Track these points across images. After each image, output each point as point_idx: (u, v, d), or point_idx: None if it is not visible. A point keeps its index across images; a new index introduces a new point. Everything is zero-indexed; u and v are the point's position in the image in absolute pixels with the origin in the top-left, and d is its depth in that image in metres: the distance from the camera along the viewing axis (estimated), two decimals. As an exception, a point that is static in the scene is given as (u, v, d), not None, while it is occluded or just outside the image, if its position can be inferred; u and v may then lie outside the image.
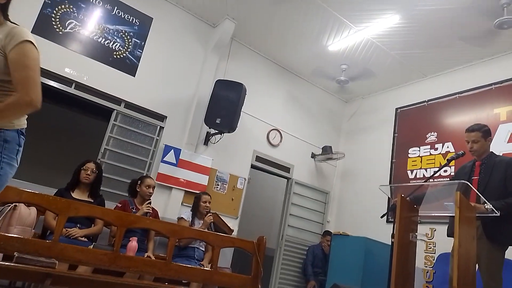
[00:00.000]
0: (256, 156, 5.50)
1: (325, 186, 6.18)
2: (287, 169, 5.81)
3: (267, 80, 5.80)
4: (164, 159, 4.58)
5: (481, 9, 4.04)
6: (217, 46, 5.13)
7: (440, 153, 4.92)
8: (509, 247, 2.67)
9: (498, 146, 4.17)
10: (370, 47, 5.09)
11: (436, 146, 5.00)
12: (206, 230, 3.39)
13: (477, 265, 2.47)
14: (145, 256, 3.00)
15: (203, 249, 3.47)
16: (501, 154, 3.73)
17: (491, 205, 2.37)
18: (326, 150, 5.96)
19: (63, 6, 4.18)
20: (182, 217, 3.59)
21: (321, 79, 6.15)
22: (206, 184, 4.82)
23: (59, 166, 5.51)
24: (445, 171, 4.58)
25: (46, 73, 4.03)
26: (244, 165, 5.35)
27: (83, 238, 2.94)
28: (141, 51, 4.67)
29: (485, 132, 2.86)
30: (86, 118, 5.63)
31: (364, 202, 5.60)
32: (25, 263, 2.03)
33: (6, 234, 2.33)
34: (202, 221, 3.55)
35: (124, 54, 4.54)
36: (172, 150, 4.66)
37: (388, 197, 4.30)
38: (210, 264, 3.15)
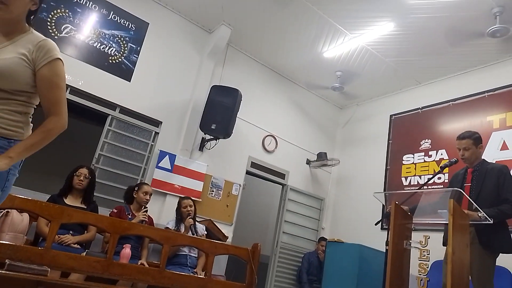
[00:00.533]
0: (251, 162, 5.50)
1: (320, 193, 6.18)
2: (282, 176, 5.81)
3: (263, 86, 5.82)
4: (159, 164, 4.56)
5: (474, 18, 4.09)
6: (213, 52, 5.15)
7: (434, 160, 4.95)
8: (500, 254, 2.68)
9: (491, 154, 4.20)
10: (365, 54, 5.13)
11: (430, 153, 5.04)
12: (196, 236, 3.37)
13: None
14: (139, 263, 2.98)
15: (196, 256, 3.45)
16: (494, 162, 3.77)
17: (484, 213, 2.38)
18: (321, 156, 5.97)
19: (58, 11, 4.17)
20: (167, 227, 3.57)
21: (316, 85, 6.18)
22: (201, 190, 4.80)
23: (52, 171, 5.47)
24: (439, 178, 4.60)
25: (40, 78, 4.01)
26: (239, 171, 5.35)
27: (75, 245, 2.91)
28: (137, 56, 4.67)
29: (476, 139, 2.88)
30: (80, 123, 5.59)
31: (359, 209, 5.61)
32: (16, 271, 2.01)
33: (-3, 241, 2.30)
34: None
35: (120, 59, 4.54)
36: (167, 155, 4.64)
37: (383, 204, 4.31)
38: (204, 272, 3.13)
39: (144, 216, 3.26)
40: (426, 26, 4.39)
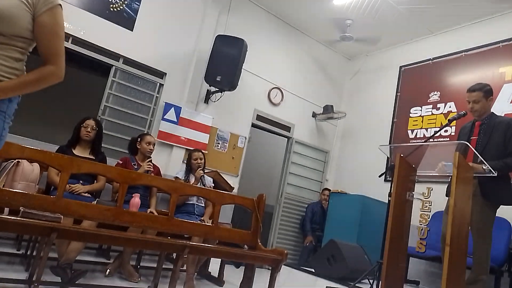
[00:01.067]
0: (257, 115, 5.48)
1: (325, 145, 6.21)
2: (287, 128, 5.80)
3: (269, 36, 5.64)
4: (164, 117, 4.57)
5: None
6: (217, -1, 4.94)
7: (442, 113, 4.89)
8: (501, 206, 2.73)
9: (501, 106, 4.13)
10: (377, 1, 4.88)
11: (438, 105, 4.96)
12: (202, 186, 3.45)
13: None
14: (148, 211, 3.08)
15: (203, 205, 3.56)
16: (503, 115, 3.72)
17: (488, 166, 2.39)
18: (327, 109, 5.92)
19: (54, -45, 3.96)
20: (177, 177, 3.65)
21: (325, 35, 5.97)
22: (207, 143, 4.84)
23: (59, 122, 5.51)
24: (446, 131, 4.57)
25: (41, 27, 3.92)
26: (245, 124, 5.35)
27: (86, 194, 3.01)
28: (138, 4, 4.50)
29: (486, 92, 2.82)
30: (84, 74, 5.54)
31: (363, 162, 5.65)
32: (31, 218, 2.09)
33: (11, 190, 2.37)
34: (196, 177, 3.61)
35: (121, 7, 4.38)
36: (173, 108, 4.63)
37: (387, 157, 4.34)
38: (211, 220, 3.24)
39: (149, 166, 3.32)
40: (443, -30, 4.13)
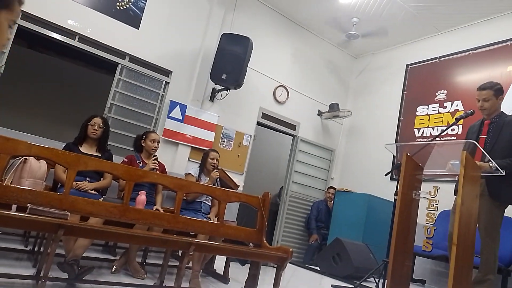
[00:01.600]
0: (262, 113, 5.47)
1: (331, 144, 6.19)
2: (293, 127, 5.80)
3: (274, 34, 5.63)
4: (170, 114, 4.58)
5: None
6: (222, -3, 4.93)
7: (448, 112, 4.85)
8: (509, 206, 2.70)
9: (510, 105, 4.09)
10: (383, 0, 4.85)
11: (445, 104, 4.92)
12: (210, 185, 3.46)
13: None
14: (154, 209, 3.09)
15: (209, 204, 3.56)
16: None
17: (496, 164, 2.37)
18: (333, 107, 5.90)
19: (61, -47, 3.98)
20: (189, 173, 3.65)
21: (331, 33, 5.95)
22: (213, 141, 4.85)
23: (66, 120, 5.56)
24: (453, 130, 4.54)
25: (49, 25, 3.95)
26: (250, 122, 5.35)
27: (93, 191, 3.02)
28: (144, 2, 4.51)
29: (497, 91, 2.79)
30: (91, 72, 5.58)
31: (369, 160, 5.63)
32: (38, 214, 2.10)
33: (18, 187, 2.39)
34: (208, 178, 3.61)
35: (128, 5, 4.39)
36: (178, 106, 4.64)
37: (394, 155, 4.32)
38: (216, 218, 3.25)
39: (154, 164, 3.33)
40: (451, -32, 4.09)
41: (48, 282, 2.17)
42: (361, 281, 3.23)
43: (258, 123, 5.45)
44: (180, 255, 2.56)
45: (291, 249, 2.83)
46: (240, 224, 3.62)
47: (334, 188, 5.55)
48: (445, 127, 3.23)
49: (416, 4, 4.83)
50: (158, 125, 4.58)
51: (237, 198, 3.34)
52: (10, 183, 2.49)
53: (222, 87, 4.78)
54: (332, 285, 3.39)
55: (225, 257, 3.27)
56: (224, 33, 4.74)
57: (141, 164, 3.38)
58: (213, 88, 4.93)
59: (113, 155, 3.46)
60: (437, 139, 3.40)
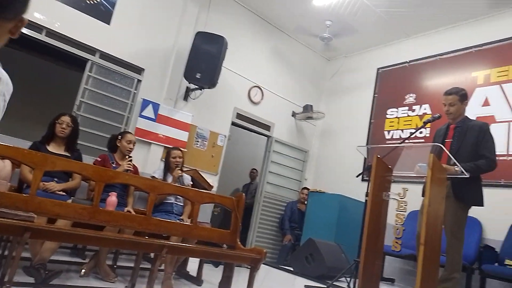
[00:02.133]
0: (237, 113, 5.47)
1: (304, 145, 6.27)
2: (267, 127, 5.82)
3: (249, 34, 5.63)
4: (142, 113, 4.49)
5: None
6: (197, -5, 4.88)
7: (417, 115, 5.03)
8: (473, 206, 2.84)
9: (474, 110, 4.29)
10: (356, 3, 4.96)
11: (414, 107, 5.10)
12: (182, 186, 3.42)
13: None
14: (125, 210, 3.02)
15: (182, 204, 3.52)
16: (475, 118, 3.86)
17: (461, 167, 2.47)
18: (307, 109, 5.98)
19: None
20: (153, 176, 3.59)
21: (305, 35, 6.02)
22: (186, 141, 4.79)
23: (34, 118, 5.33)
24: (421, 132, 4.70)
25: (13, 18, 3.76)
26: (225, 122, 5.33)
27: (61, 192, 2.92)
28: (116, -2, 4.39)
29: (462, 96, 2.92)
30: (59, 68, 5.37)
31: (342, 161, 5.75)
32: (2, 217, 2.01)
33: (-20, 188, 2.28)
34: (174, 177, 3.57)
35: (98, 0, 4.26)
36: (151, 104, 4.55)
37: (365, 157, 4.43)
38: (189, 219, 3.21)
39: (129, 165, 3.26)
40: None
41: (13, 287, 2.08)
42: (333, 281, 3.29)
43: (233, 123, 5.44)
44: (152, 257, 2.52)
45: (264, 250, 2.84)
46: (214, 225, 3.60)
47: (308, 189, 5.62)
48: (414, 130, 3.36)
49: (387, 9, 4.97)
50: (130, 124, 4.48)
51: (211, 199, 3.32)
52: (-29, 184, 2.36)
53: (196, 86, 4.74)
54: (305, 286, 3.44)
55: (199, 259, 3.24)
56: (199, 31, 4.69)
57: (114, 165, 3.30)
58: (187, 87, 4.88)
59: (83, 155, 3.35)
60: (406, 141, 3.52)
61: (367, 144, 5.41)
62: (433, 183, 2.37)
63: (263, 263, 2.98)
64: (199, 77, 4.47)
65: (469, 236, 3.14)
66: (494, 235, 3.79)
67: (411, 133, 3.32)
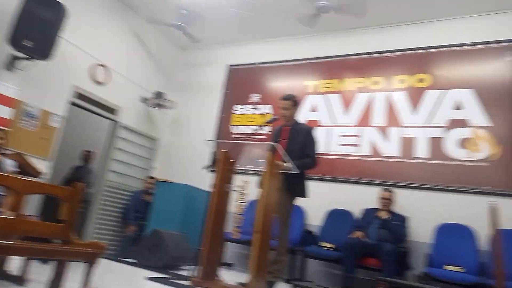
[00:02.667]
0: (77, 92, 4.91)
1: (154, 133, 6.11)
2: (113, 111, 5.43)
3: (102, 11, 5.15)
4: None
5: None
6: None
7: (260, 114, 5.53)
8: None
9: (304, 113, 4.99)
10: (212, -1, 5.07)
11: (258, 107, 5.59)
12: (7, 174, 2.90)
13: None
14: None
15: (3, 194, 2.99)
16: (305, 121, 4.49)
17: (291, 164, 2.87)
18: (158, 96, 5.84)
19: None
20: None
21: (159, 20, 5.81)
22: (10, 118, 4.06)
23: None
24: (263, 130, 5.19)
25: None
26: (61, 101, 4.73)
27: None
28: None
29: (295, 102, 3.35)
30: None
31: (191, 152, 5.81)
32: None
33: None
34: None
35: None
36: (-39, 71, 3.67)
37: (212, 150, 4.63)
38: (14, 212, 2.75)
39: None
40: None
41: None
42: (175, 269, 3.34)
43: (72, 103, 4.87)
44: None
45: (104, 244, 2.68)
46: (46, 218, 3.18)
47: (154, 178, 5.52)
48: (256, 127, 3.69)
49: (240, 11, 5.24)
50: None
51: (41, 190, 2.92)
52: None
53: (26, 56, 4.05)
54: (147, 277, 3.39)
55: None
56: (32, -9, 4.01)
57: None
58: (12, 55, 4.11)
59: None
60: (249, 138, 3.84)
61: (215, 137, 5.66)
62: (269, 177, 2.69)
63: (104, 257, 2.81)
64: (29, 45, 3.85)
65: (295, 222, 3.66)
66: (315, 221, 4.53)
67: (254, 130, 3.64)
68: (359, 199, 4.36)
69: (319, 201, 4.38)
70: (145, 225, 4.99)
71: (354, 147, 4.74)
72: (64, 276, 2.63)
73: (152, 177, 5.57)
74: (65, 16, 4.06)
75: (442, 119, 4.33)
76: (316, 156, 3.25)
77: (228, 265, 4.59)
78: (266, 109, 5.53)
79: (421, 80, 4.60)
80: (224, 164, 2.94)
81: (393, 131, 4.56)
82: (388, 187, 4.14)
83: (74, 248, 2.69)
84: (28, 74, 4.22)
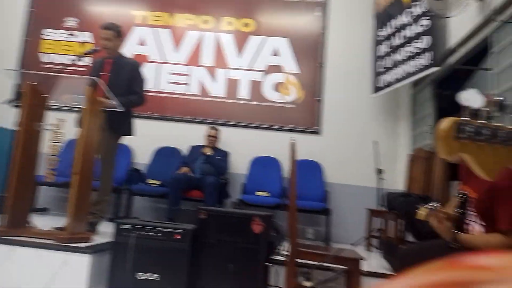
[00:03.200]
0: None
1: None
2: None
3: None
4: None
5: None
6: None
7: (79, 42, 4.87)
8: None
9: (131, 47, 4.66)
10: None
11: (76, 33, 4.89)
12: None
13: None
14: None
15: None
16: (131, 55, 4.22)
17: (115, 101, 2.69)
18: None
19: None
20: None
21: None
22: None
23: None
24: (81, 61, 4.61)
25: None
26: None
27: None
28: None
29: (118, 32, 3.04)
30: None
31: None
32: None
33: None
34: None
35: None
36: None
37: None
38: None
39: None
40: None
41: None
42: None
43: None
44: None
45: None
46: None
47: None
48: (74, 58, 3.24)
49: None
50: None
51: None
52: None
53: None
54: None
55: None
56: None
57: None
58: None
59: None
60: (65, 69, 3.36)
61: (19, 66, 4.72)
62: (89, 115, 2.49)
63: None
64: None
65: (120, 161, 3.55)
66: (142, 160, 4.49)
67: (71, 61, 3.19)
68: (187, 136, 4.53)
69: (147, 139, 4.36)
70: None
71: (184, 85, 4.78)
72: None
73: None
74: None
75: (262, 64, 4.78)
76: (143, 93, 3.13)
77: (43, 210, 4.19)
78: (86, 37, 4.89)
79: (246, 25, 4.87)
80: (32, 99, 2.55)
81: (220, 72, 4.79)
82: (214, 125, 4.41)
83: None
84: None
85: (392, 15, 4.05)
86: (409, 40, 3.77)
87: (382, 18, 4.24)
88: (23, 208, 2.52)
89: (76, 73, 3.96)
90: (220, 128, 4.45)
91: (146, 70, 4.65)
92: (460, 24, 3.27)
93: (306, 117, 4.65)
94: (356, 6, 4.74)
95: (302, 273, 2.19)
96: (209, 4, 4.94)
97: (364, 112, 4.58)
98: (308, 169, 4.32)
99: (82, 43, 4.84)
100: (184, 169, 4.00)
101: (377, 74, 4.28)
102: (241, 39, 4.84)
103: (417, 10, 3.66)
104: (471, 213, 1.62)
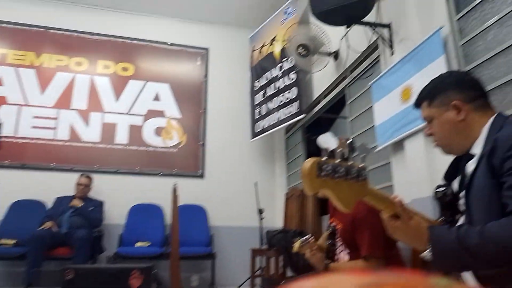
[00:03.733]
0: None
1: None
2: None
3: None
4: None
5: None
6: None
7: None
8: None
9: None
10: None
11: None
12: None
13: None
14: None
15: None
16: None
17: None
18: None
19: None
20: None
21: None
22: None
23: None
24: None
25: None
26: None
27: None
28: None
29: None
30: None
31: None
32: None
33: None
34: None
35: None
36: None
37: None
38: None
39: None
40: None
41: None
42: None
43: None
44: None
45: None
46: None
47: None
48: None
49: None
50: None
51: None
52: None
53: None
54: None
55: None
56: None
57: None
58: None
59: None
60: None
61: None
62: None
63: None
64: None
65: None
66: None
67: None
68: (52, 187, 4.02)
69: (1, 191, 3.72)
70: None
71: (50, 130, 4.30)
72: None
73: None
74: None
75: (142, 108, 4.66)
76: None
77: None
78: None
79: (125, 69, 4.74)
80: None
81: (95, 116, 4.48)
82: (85, 173, 4.03)
83: None
84: None
85: (265, 68, 4.48)
86: (280, 91, 4.19)
87: (257, 70, 4.64)
88: None
89: None
90: (94, 175, 4.09)
91: (4, 114, 4.10)
92: (322, 79, 3.79)
93: (189, 161, 4.63)
94: (235, 58, 5.08)
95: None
96: (83, 46, 4.68)
97: (245, 155, 4.80)
98: (192, 214, 4.24)
99: None
100: (48, 224, 3.50)
101: (255, 120, 4.59)
102: (119, 83, 4.67)
103: (286, 65, 4.12)
104: (340, 243, 1.79)
